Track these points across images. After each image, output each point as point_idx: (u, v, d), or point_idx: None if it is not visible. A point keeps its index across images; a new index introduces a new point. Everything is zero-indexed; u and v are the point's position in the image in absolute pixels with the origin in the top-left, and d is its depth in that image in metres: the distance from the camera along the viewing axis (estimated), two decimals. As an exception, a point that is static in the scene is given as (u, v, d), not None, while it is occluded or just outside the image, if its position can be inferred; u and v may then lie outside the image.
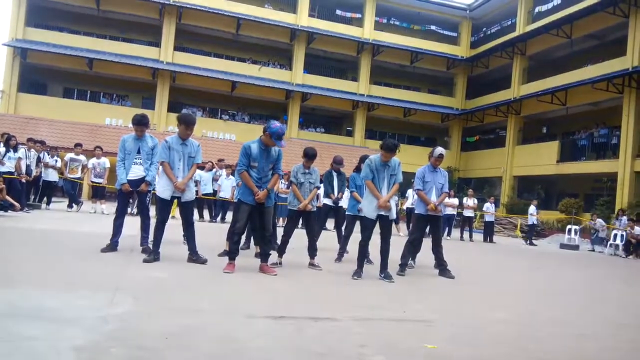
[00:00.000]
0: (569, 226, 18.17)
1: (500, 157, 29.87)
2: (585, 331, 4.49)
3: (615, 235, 16.71)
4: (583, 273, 10.23)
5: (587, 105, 25.39)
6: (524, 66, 29.66)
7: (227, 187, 14.52)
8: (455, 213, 17.38)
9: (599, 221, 17.84)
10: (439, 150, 7.36)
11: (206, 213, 15.18)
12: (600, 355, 3.74)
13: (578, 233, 17.82)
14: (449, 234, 16.80)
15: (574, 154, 25.42)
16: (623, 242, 16.29)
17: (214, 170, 15.36)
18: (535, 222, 18.43)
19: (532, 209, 18.10)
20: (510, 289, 6.75)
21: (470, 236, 16.93)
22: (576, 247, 17.48)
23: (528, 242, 17.90)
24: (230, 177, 14.43)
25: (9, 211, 10.69)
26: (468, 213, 17.19)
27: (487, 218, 17.85)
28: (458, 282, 6.81)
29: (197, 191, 14.46)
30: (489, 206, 17.80)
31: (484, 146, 32.99)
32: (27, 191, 12.89)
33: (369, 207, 6.45)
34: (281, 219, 13.50)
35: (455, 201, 17.34)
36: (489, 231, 17.63)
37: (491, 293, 6.21)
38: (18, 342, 2.87)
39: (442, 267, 7.34)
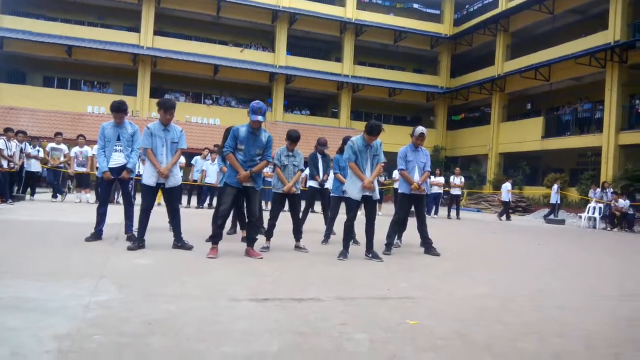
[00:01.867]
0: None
1: (486, 134, 30.01)
2: (567, 303, 4.58)
3: (591, 208, 16.95)
4: (567, 247, 10.38)
5: (571, 81, 25.52)
6: (507, 43, 29.67)
7: (213, 172, 14.46)
8: (442, 192, 17.52)
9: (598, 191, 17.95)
10: (420, 129, 7.38)
11: (193, 200, 15.15)
12: (579, 326, 3.81)
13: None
14: (436, 212, 16.95)
15: (559, 129, 25.60)
16: (601, 215, 16.55)
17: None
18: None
19: (507, 185, 18.43)
20: (494, 265, 6.84)
21: (457, 214, 17.07)
22: (562, 222, 17.72)
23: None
24: (215, 163, 14.37)
25: (-8, 203, 10.56)
26: (455, 191, 17.32)
27: (504, 198, 18.35)
28: (443, 259, 6.89)
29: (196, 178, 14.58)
30: (507, 186, 18.27)
31: (470, 124, 33.10)
32: (11, 182, 12.73)
33: (353, 188, 6.47)
34: (265, 202, 13.52)
35: (442, 180, 17.47)
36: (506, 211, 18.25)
37: (475, 269, 6.29)
38: (0, 332, 2.85)
39: (427, 245, 7.42)
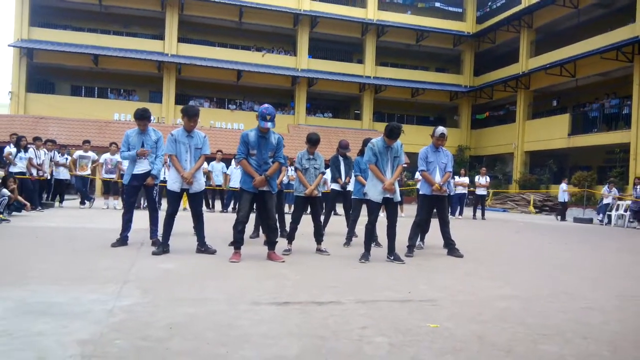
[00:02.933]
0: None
1: (511, 133, 29.61)
2: (592, 304, 4.49)
3: (619, 205, 16.65)
4: (594, 246, 10.17)
5: (597, 76, 25.02)
6: (532, 39, 29.27)
7: (237, 176, 14.59)
8: (466, 192, 17.36)
9: (615, 190, 17.64)
10: (440, 129, 7.33)
11: (218, 204, 15.30)
12: (604, 327, 3.74)
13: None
14: (460, 213, 16.79)
15: (585, 126, 25.14)
16: (627, 212, 16.26)
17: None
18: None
19: (563, 185, 18.38)
20: (519, 266, 6.74)
21: (483, 214, 16.87)
22: (589, 221, 17.36)
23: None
24: (239, 167, 14.51)
25: (22, 211, 10.85)
26: (480, 191, 17.12)
27: (560, 198, 18.45)
28: (466, 261, 6.83)
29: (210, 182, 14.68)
30: (563, 186, 18.28)
31: (494, 123, 32.72)
32: (40, 190, 13.07)
33: (373, 191, 6.46)
34: (288, 205, 13.58)
35: (466, 180, 17.31)
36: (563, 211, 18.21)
37: (499, 270, 6.21)
38: (27, 337, 2.94)
39: (450, 246, 7.36)
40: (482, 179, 17.24)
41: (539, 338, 3.37)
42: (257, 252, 6.60)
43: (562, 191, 18.28)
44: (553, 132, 26.19)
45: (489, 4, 32.93)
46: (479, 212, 16.92)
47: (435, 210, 7.55)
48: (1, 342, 2.84)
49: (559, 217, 18.26)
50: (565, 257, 7.96)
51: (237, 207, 6.69)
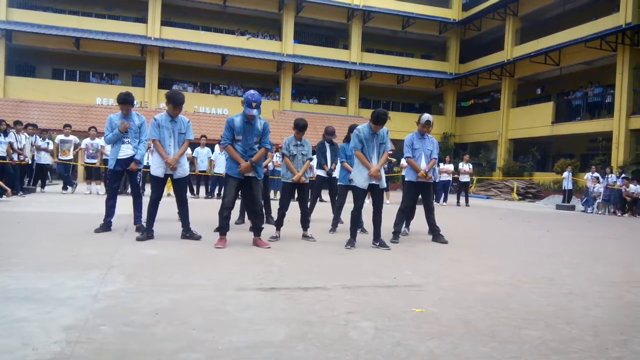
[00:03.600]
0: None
1: (496, 120, 29.80)
2: (574, 290, 4.56)
3: (599, 192, 16.99)
4: (576, 233, 10.32)
5: (581, 65, 25.24)
6: (517, 27, 29.37)
7: (222, 162, 14.50)
8: (451, 179, 17.49)
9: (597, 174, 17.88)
10: (426, 116, 7.34)
11: (202, 190, 15.21)
12: (586, 312, 3.80)
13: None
14: (445, 199, 16.92)
15: (569, 114, 25.39)
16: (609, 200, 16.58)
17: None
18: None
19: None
20: (503, 252, 6.81)
21: (467, 201, 17.03)
22: (572, 208, 17.61)
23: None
24: (223, 153, 14.43)
25: (3, 196, 10.68)
26: (464, 178, 17.26)
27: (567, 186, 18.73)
28: (451, 247, 6.89)
29: (193, 168, 14.56)
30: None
31: (479, 110, 32.90)
32: (21, 175, 12.87)
33: (359, 177, 6.47)
34: (274, 192, 13.55)
35: (451, 167, 17.43)
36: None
37: (483, 256, 6.27)
38: (9, 323, 2.90)
39: (435, 232, 7.42)
40: (466, 166, 17.38)
41: (523, 323, 3.42)
42: (242, 238, 6.58)
43: (568, 179, 18.74)
44: (537, 120, 26.40)
45: (475, -9, 32.94)
46: (462, 199, 17.06)
47: (420, 196, 7.59)
48: (-17, 329, 2.80)
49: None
50: (547, 243, 8.06)
51: (222, 192, 6.65)
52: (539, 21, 28.52)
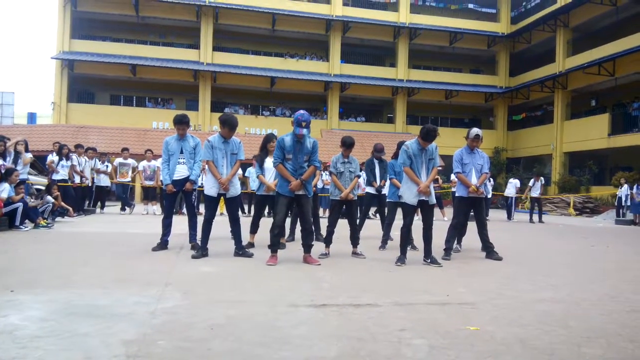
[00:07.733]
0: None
1: (549, 133, 28.98)
2: (637, 307, 4.35)
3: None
4: (637, 248, 9.84)
5: (638, 75, 24.26)
6: (568, 38, 28.63)
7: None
8: (514, 196, 17.68)
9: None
10: (475, 130, 7.25)
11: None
12: (651, 330, 3.63)
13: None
14: (511, 216, 17.06)
15: (626, 125, 24.41)
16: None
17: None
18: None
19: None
20: (559, 268, 6.58)
21: (540, 218, 16.49)
22: (631, 222, 16.84)
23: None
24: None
25: (65, 217, 11.20)
26: (535, 193, 16.68)
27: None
28: (505, 264, 6.71)
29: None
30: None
31: (531, 123, 32.09)
32: (82, 197, 13.47)
33: (408, 193, 6.43)
34: (323, 210, 13.59)
35: (517, 183, 17.61)
36: None
37: (539, 273, 6.08)
38: (73, 338, 3.04)
39: (488, 249, 7.25)
40: (537, 183, 16.78)
41: (582, 341, 3.30)
42: (293, 256, 6.65)
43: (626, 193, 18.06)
44: (592, 132, 25.53)
45: (524, 4, 32.40)
46: (535, 216, 16.58)
47: (472, 212, 7.46)
48: (49, 343, 2.94)
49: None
50: (607, 259, 7.73)
51: (273, 210, 6.76)
52: (591, 32, 27.72)
